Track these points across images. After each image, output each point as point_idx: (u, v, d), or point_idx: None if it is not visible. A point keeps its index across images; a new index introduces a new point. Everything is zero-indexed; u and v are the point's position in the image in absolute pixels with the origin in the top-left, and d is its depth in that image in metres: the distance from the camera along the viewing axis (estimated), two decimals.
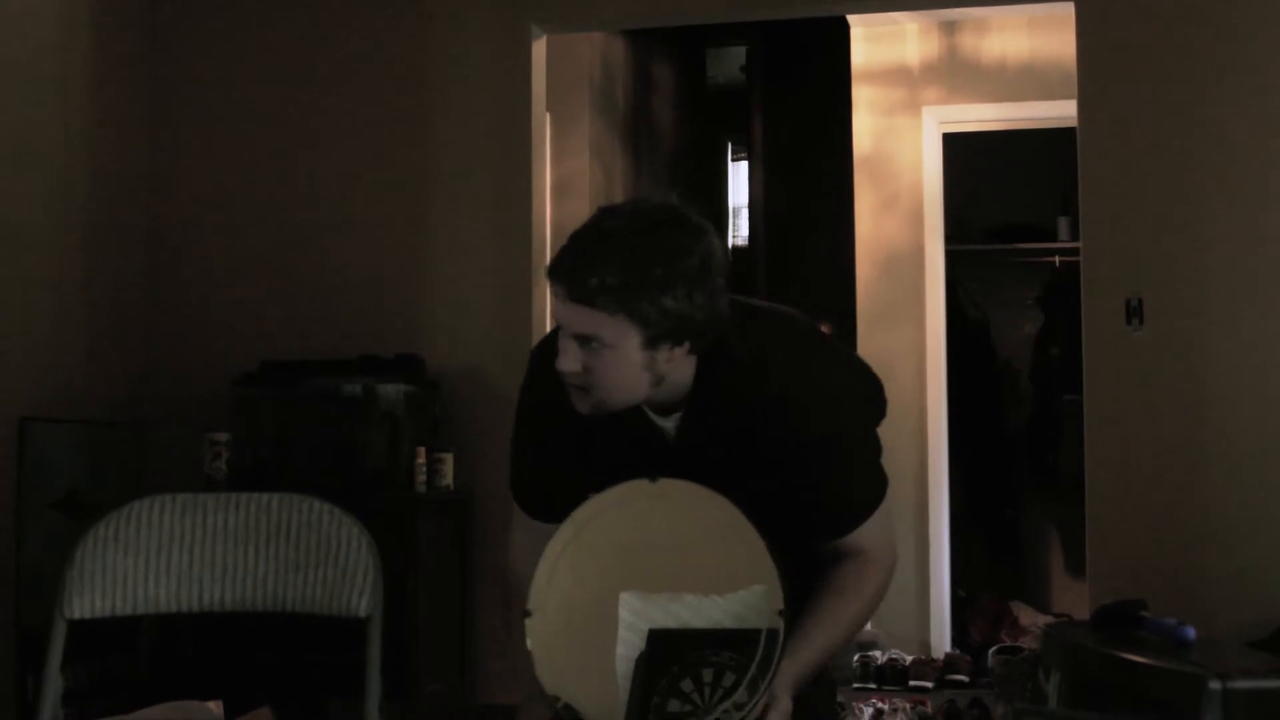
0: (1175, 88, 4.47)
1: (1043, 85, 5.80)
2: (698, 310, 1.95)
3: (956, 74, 6.03)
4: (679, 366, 2.02)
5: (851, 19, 5.99)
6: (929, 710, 4.81)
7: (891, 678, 5.38)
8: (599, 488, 2.09)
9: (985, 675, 5.33)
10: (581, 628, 2.06)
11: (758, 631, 2.00)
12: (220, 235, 4.93)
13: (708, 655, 2.01)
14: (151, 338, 4.89)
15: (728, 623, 2.02)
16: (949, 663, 5.53)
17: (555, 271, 1.97)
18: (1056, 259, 6.61)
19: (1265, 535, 4.29)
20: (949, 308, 6.16)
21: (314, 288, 4.85)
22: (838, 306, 6.98)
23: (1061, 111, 5.21)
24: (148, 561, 2.36)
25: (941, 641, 5.90)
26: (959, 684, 5.35)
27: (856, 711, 4.67)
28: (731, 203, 9.95)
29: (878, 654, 5.53)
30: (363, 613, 2.33)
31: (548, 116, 5.34)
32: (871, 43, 6.12)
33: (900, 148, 6.07)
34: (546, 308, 4.66)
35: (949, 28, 6.02)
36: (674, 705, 1.99)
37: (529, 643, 2.06)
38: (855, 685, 5.33)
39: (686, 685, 2.00)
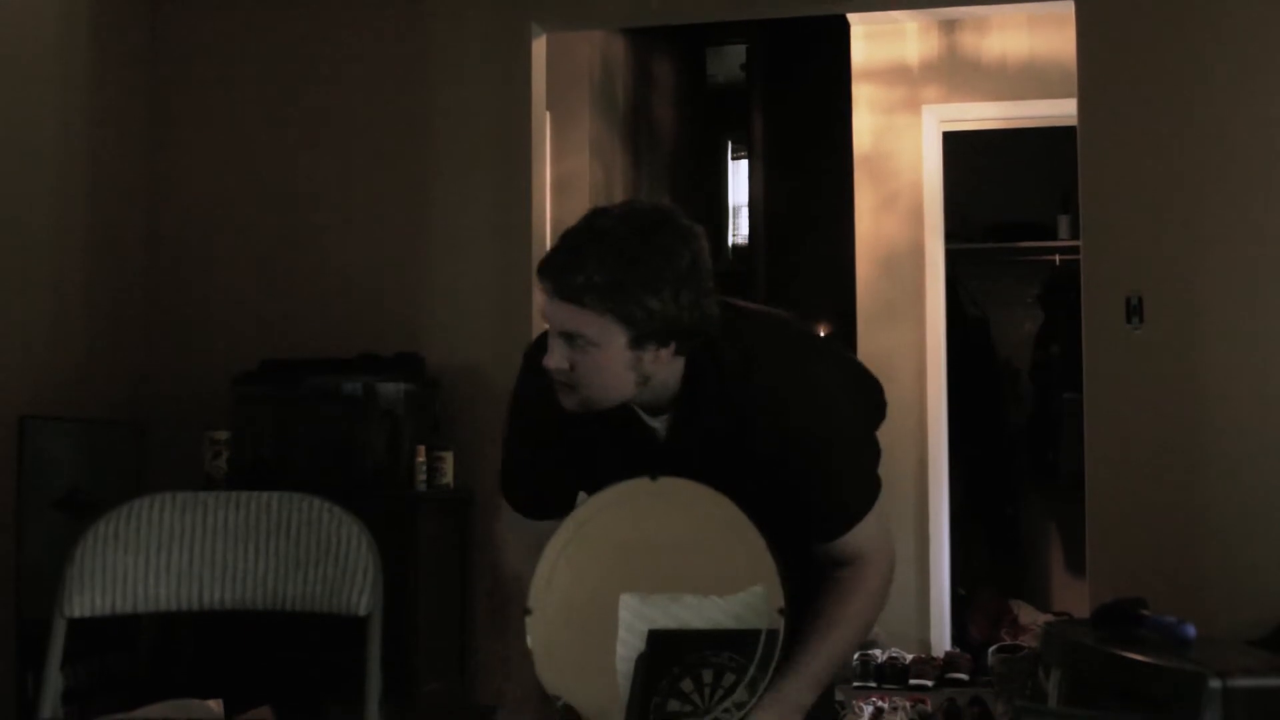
0: (1175, 86, 4.47)
1: (1043, 84, 5.79)
2: (684, 312, 1.96)
3: (957, 72, 6.03)
4: (666, 367, 2.02)
5: (851, 17, 5.99)
6: (929, 709, 4.81)
7: (891, 676, 5.37)
8: (590, 488, 2.10)
9: (985, 674, 5.33)
10: (581, 626, 2.06)
11: (757, 632, 2.00)
12: (220, 234, 4.93)
13: (708, 656, 2.01)
14: (151, 336, 4.89)
15: (728, 623, 2.02)
16: (949, 661, 5.53)
17: (544, 269, 1.99)
18: (1056, 257, 6.61)
19: (1265, 533, 4.28)
20: (949, 306, 6.15)
21: (314, 286, 4.85)
22: (837, 305, 6.98)
23: (1061, 110, 5.21)
24: (148, 560, 2.36)
25: (941, 640, 5.90)
26: (959, 682, 5.35)
27: (856, 710, 4.67)
28: (731, 201, 9.95)
29: (878, 652, 5.53)
30: (363, 611, 2.33)
31: (547, 115, 5.33)
32: (871, 41, 6.12)
33: (900, 146, 6.07)
34: None
35: (949, 26, 6.02)
36: (674, 705, 1.99)
37: (529, 641, 2.06)
38: (855, 683, 5.34)
39: (686, 685, 2.00)
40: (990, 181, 6.85)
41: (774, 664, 1.99)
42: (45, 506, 4.08)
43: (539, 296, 2.03)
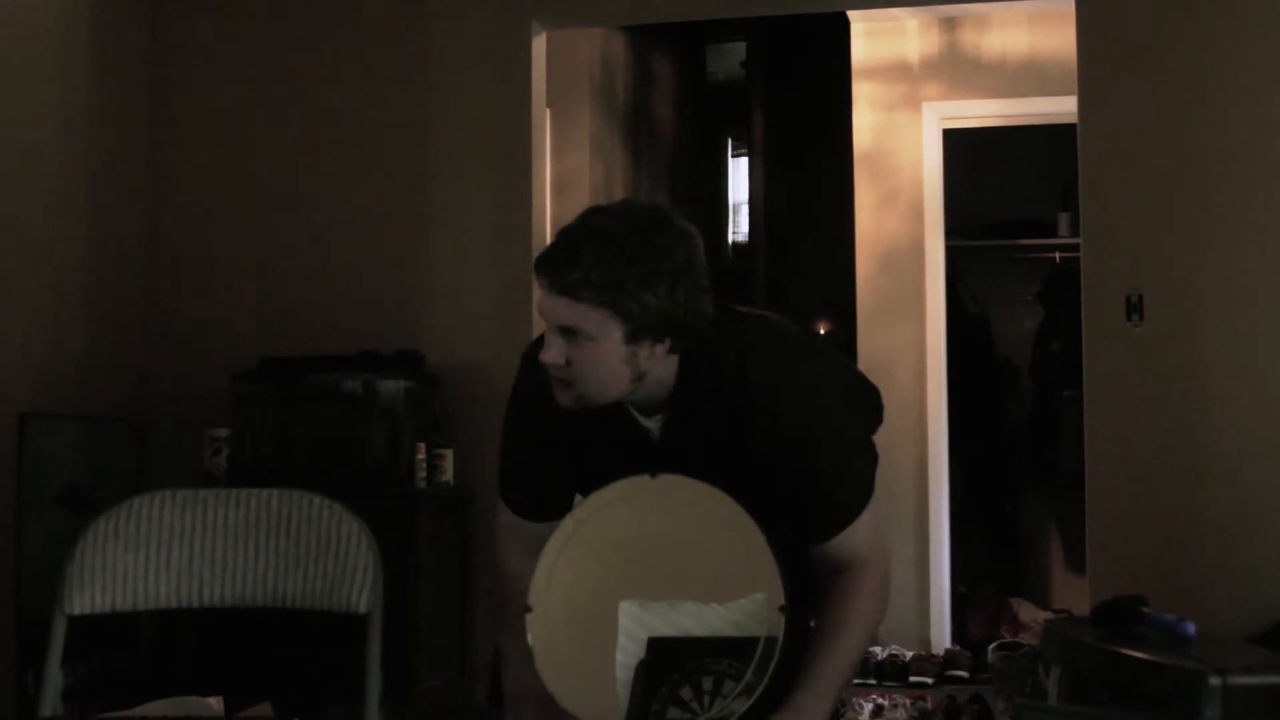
0: (1176, 83, 4.47)
1: (1043, 81, 5.79)
2: (679, 308, 1.99)
3: (957, 70, 6.02)
4: (660, 364, 2.04)
5: (852, 15, 5.98)
6: (929, 706, 4.81)
7: (892, 673, 5.38)
8: (586, 490, 2.10)
9: (985, 671, 5.33)
10: (581, 623, 2.06)
11: (756, 639, 2.00)
12: (220, 232, 4.93)
13: (707, 663, 2.01)
14: (151, 334, 4.89)
15: (727, 630, 2.02)
16: (949, 658, 5.54)
17: (542, 265, 2.00)
18: (1057, 255, 6.61)
19: (1264, 530, 4.29)
20: (949, 303, 6.15)
21: (314, 284, 4.85)
22: (838, 302, 6.98)
23: (1062, 107, 5.21)
24: (148, 557, 2.36)
25: (941, 637, 5.90)
26: (959, 680, 5.35)
27: (857, 707, 4.68)
28: (731, 199, 9.94)
29: (878, 650, 5.53)
30: (363, 609, 2.33)
31: (548, 113, 5.33)
32: (872, 38, 6.12)
33: (900, 143, 6.07)
34: None
35: (949, 23, 6.02)
36: (673, 713, 1.99)
37: (529, 638, 2.06)
38: (855, 681, 5.33)
39: (686, 693, 2.01)
40: (990, 179, 6.85)
41: (771, 669, 1.99)
42: (45, 504, 4.08)
43: (538, 297, 2.04)
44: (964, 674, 5.40)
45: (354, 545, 2.35)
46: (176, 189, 4.96)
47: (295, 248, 4.88)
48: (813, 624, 2.12)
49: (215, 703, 3.26)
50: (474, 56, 4.85)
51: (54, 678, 2.30)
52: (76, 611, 2.32)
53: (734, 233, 9.93)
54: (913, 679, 5.34)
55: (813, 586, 2.12)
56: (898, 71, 6.08)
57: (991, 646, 5.38)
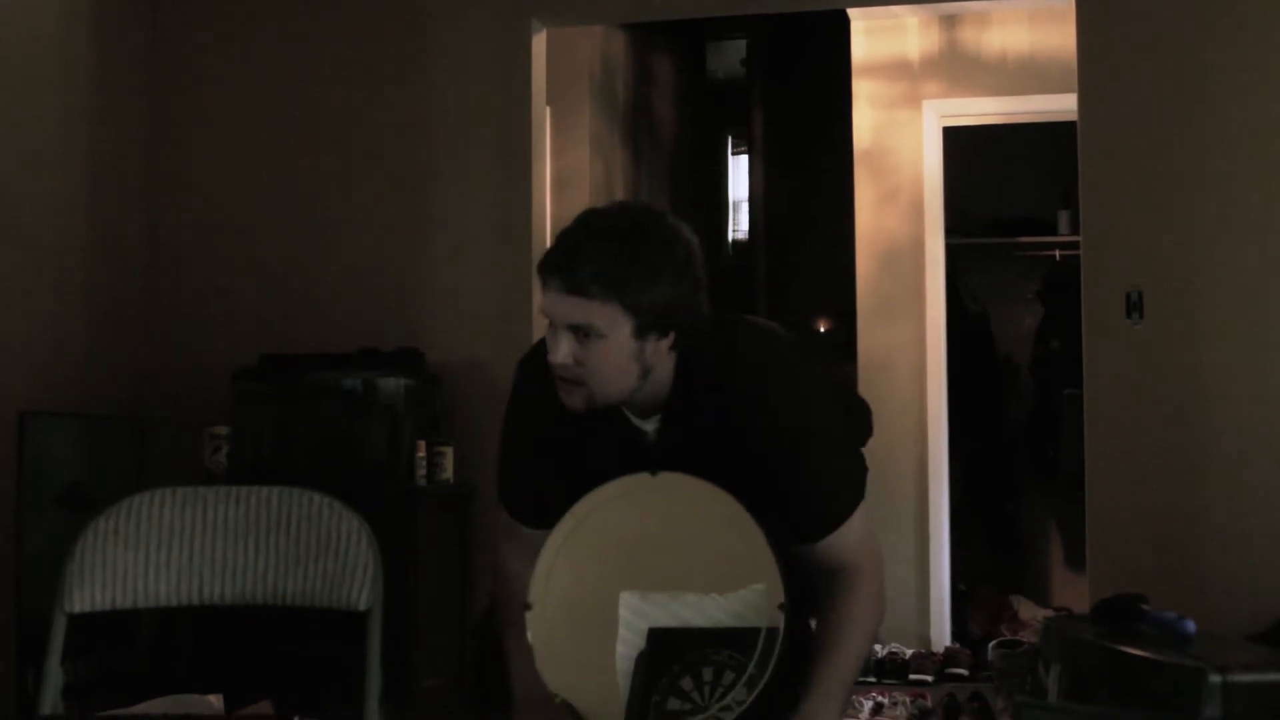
0: (1176, 81, 4.47)
1: (1043, 79, 5.79)
2: (683, 301, 2.02)
3: (957, 67, 6.02)
4: (663, 361, 2.07)
5: (852, 12, 5.98)
6: (929, 703, 4.81)
7: (891, 671, 5.38)
8: (583, 493, 2.11)
9: (985, 669, 5.33)
10: (581, 621, 2.06)
11: (757, 630, 2.00)
12: (220, 230, 4.93)
13: (708, 654, 2.01)
14: (151, 333, 4.89)
15: (728, 621, 2.02)
16: (949, 656, 5.54)
17: (547, 266, 2.02)
18: (1057, 252, 6.61)
19: (1264, 528, 4.29)
20: (949, 301, 6.15)
21: (314, 281, 4.85)
22: (838, 300, 6.98)
23: (1062, 105, 5.21)
24: (148, 555, 2.36)
25: (941, 635, 5.91)
26: (959, 677, 5.35)
27: (856, 705, 4.67)
28: (731, 197, 9.94)
29: (878, 647, 5.53)
30: (363, 606, 2.33)
31: (548, 110, 5.33)
32: (871, 36, 6.12)
33: (900, 141, 6.07)
34: None
35: (949, 21, 6.02)
36: (674, 703, 1.99)
37: (529, 636, 2.06)
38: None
39: (686, 683, 2.01)
40: (990, 176, 6.85)
41: (773, 661, 2.00)
42: (45, 502, 4.08)
43: (538, 296, 2.05)
44: (964, 672, 5.40)
45: (354, 543, 2.35)
46: (176, 189, 4.96)
47: (295, 246, 4.88)
48: (813, 623, 2.13)
49: (215, 700, 3.26)
50: (474, 55, 4.85)
51: (54, 676, 2.30)
52: (76, 609, 2.32)
53: (734, 231, 9.93)
54: (913, 677, 5.34)
55: (810, 587, 2.13)
56: (898, 69, 6.08)
57: (991, 644, 5.39)
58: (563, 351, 2.01)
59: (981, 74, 6.00)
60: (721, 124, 9.51)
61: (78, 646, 2.38)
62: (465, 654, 4.58)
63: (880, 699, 4.73)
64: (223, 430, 4.45)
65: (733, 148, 9.77)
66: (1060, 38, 5.42)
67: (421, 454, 4.44)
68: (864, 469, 2.28)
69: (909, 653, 5.51)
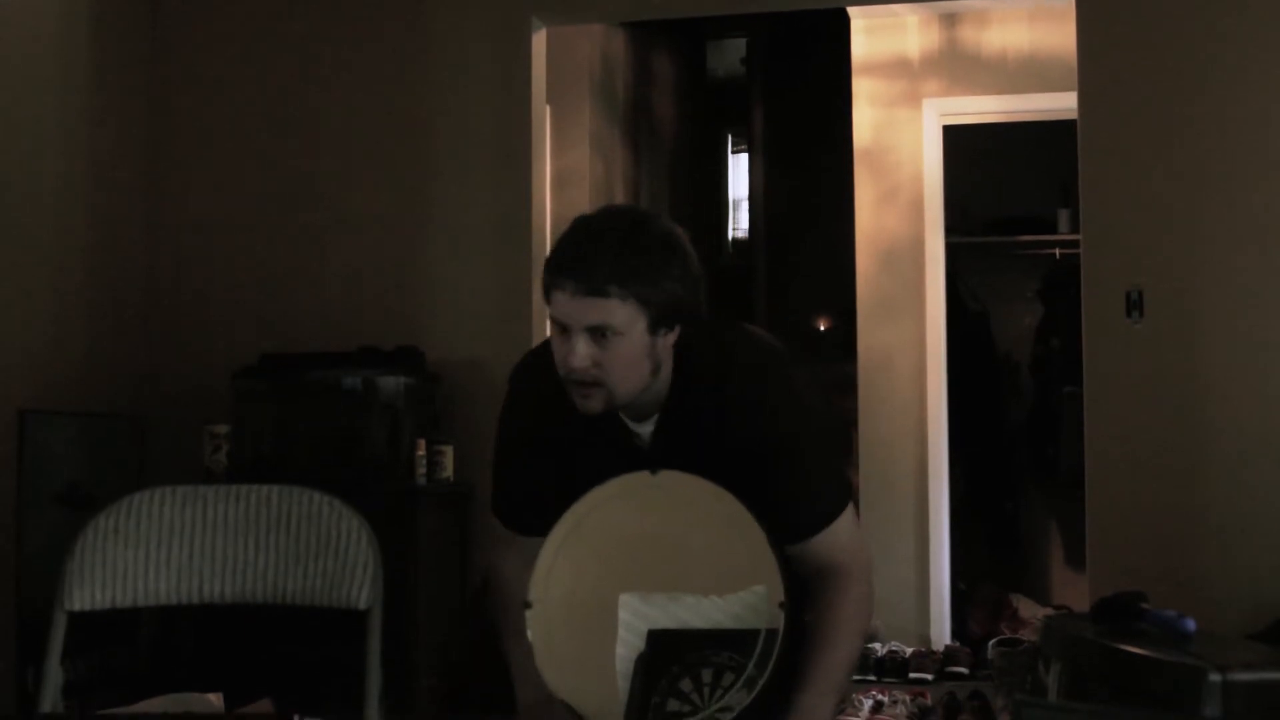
0: (1176, 80, 4.47)
1: (1043, 77, 5.79)
2: (689, 293, 2.06)
3: (957, 66, 6.02)
4: (667, 358, 2.10)
5: (852, 11, 5.98)
6: (929, 702, 4.81)
7: (891, 670, 5.38)
8: (580, 496, 2.12)
9: (985, 667, 5.33)
10: (582, 620, 2.06)
11: (756, 631, 2.00)
12: (220, 228, 4.93)
13: (707, 655, 2.01)
14: (151, 330, 4.89)
15: (727, 623, 2.03)
16: (949, 655, 5.54)
17: (559, 271, 2.03)
18: (1057, 251, 6.61)
19: (1264, 527, 4.29)
20: (949, 300, 6.15)
21: (314, 280, 4.85)
22: (838, 299, 6.98)
23: (1062, 104, 5.21)
24: (148, 554, 2.36)
25: (941, 634, 5.91)
26: (959, 676, 5.36)
27: (856, 703, 4.67)
28: (731, 195, 9.94)
29: (877, 646, 5.53)
30: (363, 605, 2.33)
31: (548, 109, 5.33)
32: (871, 35, 6.12)
33: (900, 140, 6.07)
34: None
35: (949, 20, 6.02)
36: (673, 705, 1.99)
37: (529, 635, 2.06)
38: (855, 678, 5.34)
39: (686, 685, 2.01)
40: (991, 175, 6.85)
41: (773, 662, 2.00)
42: (46, 501, 4.08)
43: (538, 296, 2.06)
44: (964, 670, 5.40)
45: (354, 541, 2.35)
46: (176, 189, 4.96)
47: (295, 245, 4.87)
48: (807, 619, 2.14)
49: (215, 699, 3.26)
50: (473, 53, 4.84)
51: (54, 674, 2.30)
52: (76, 608, 2.32)
53: (734, 229, 9.93)
54: (912, 675, 5.34)
55: (802, 587, 2.14)
56: (898, 68, 6.08)
57: (991, 643, 5.39)
58: (582, 355, 2.03)
59: (982, 73, 6.00)
60: (721, 123, 9.52)
61: (78, 645, 2.38)
62: (464, 632, 4.57)
63: (880, 697, 4.73)
64: (223, 429, 4.45)
65: (733, 146, 9.77)
66: (1060, 36, 5.43)
67: (421, 452, 4.44)
68: (850, 485, 2.32)
69: (909, 651, 5.51)
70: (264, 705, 3.41)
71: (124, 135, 4.84)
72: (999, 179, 6.91)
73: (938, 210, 6.05)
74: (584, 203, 5.97)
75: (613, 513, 2.09)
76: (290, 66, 4.95)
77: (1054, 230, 6.65)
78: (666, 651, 2.02)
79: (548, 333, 2.16)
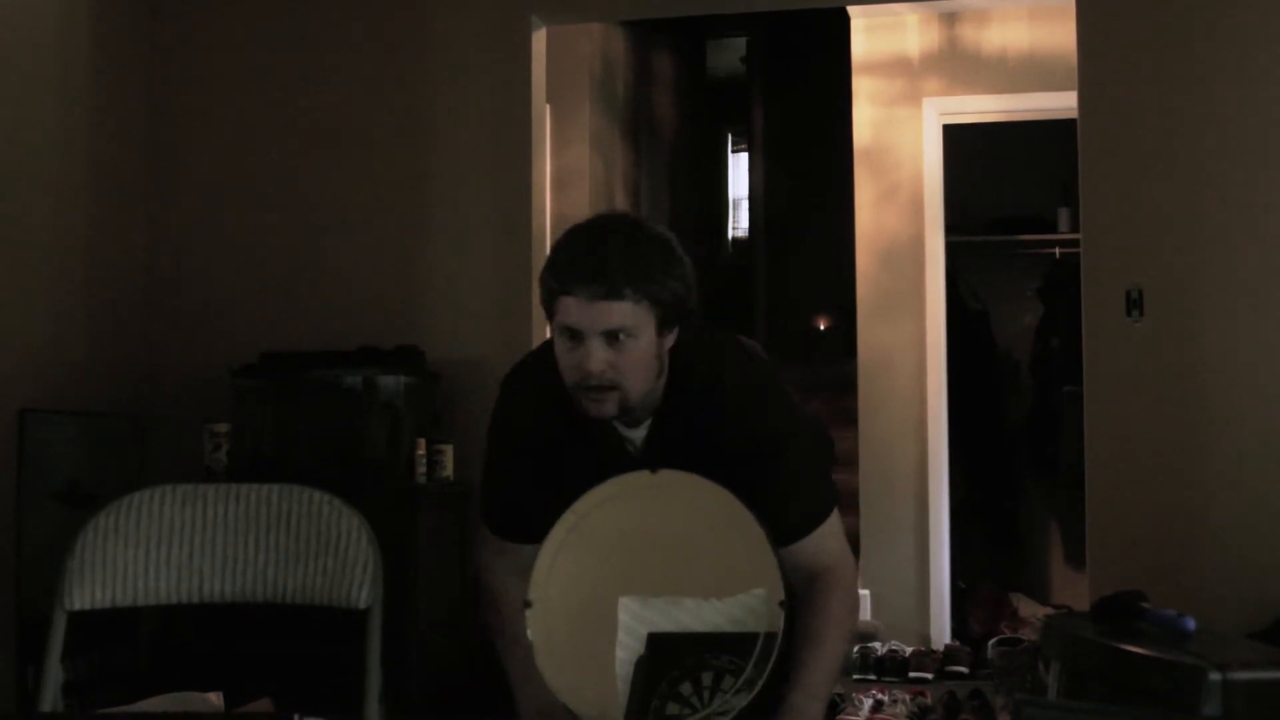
0: (1176, 79, 4.47)
1: (1043, 76, 5.79)
2: (690, 293, 2.09)
3: (957, 65, 6.03)
4: (666, 360, 2.12)
5: (851, 10, 5.99)
6: (929, 701, 4.81)
7: (891, 669, 5.38)
8: (569, 505, 2.12)
9: (985, 667, 5.33)
10: (582, 618, 2.06)
11: (755, 635, 2.00)
12: (220, 227, 4.93)
13: (707, 659, 2.01)
14: (152, 329, 4.89)
15: (726, 626, 2.03)
16: (949, 654, 5.54)
17: (570, 278, 2.03)
18: (1057, 250, 6.61)
19: (1264, 526, 4.29)
20: (949, 299, 6.15)
21: (314, 279, 4.85)
22: (838, 298, 6.98)
23: (1062, 103, 5.21)
24: (148, 553, 2.36)
25: (941, 633, 5.91)
26: (959, 675, 5.36)
27: (856, 703, 4.67)
28: (732, 194, 9.94)
29: (877, 645, 5.53)
30: (363, 604, 2.33)
31: (548, 108, 5.33)
32: (872, 34, 6.12)
33: (900, 139, 6.07)
34: None
35: (949, 19, 6.02)
36: (673, 708, 1.99)
37: (529, 634, 2.06)
38: (855, 676, 5.34)
39: (685, 688, 2.01)
40: (991, 174, 6.86)
41: (771, 664, 2.00)
42: (46, 499, 4.08)
43: (538, 298, 2.07)
44: (964, 670, 5.41)
45: (354, 540, 2.35)
46: (176, 189, 4.96)
47: (295, 244, 4.88)
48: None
49: (215, 698, 3.26)
50: (474, 52, 4.84)
51: (54, 673, 2.30)
52: (76, 607, 2.32)
53: (734, 229, 9.93)
54: (912, 675, 5.34)
55: (789, 590, 2.16)
56: (898, 67, 6.08)
57: (991, 642, 5.38)
58: (599, 359, 2.04)
59: (981, 71, 6.00)
60: (721, 122, 9.52)
61: (78, 644, 2.38)
62: (464, 632, 4.57)
63: (880, 697, 4.73)
64: (223, 428, 4.45)
65: (733, 145, 9.77)
66: (1060, 35, 5.43)
67: (421, 451, 4.44)
68: (833, 483, 2.35)
69: (909, 651, 5.51)
70: (264, 705, 3.41)
71: (124, 135, 4.84)
72: (999, 178, 6.92)
73: (938, 209, 6.05)
74: (584, 202, 5.97)
75: (613, 512, 2.09)
76: (290, 66, 4.95)
77: (1054, 229, 6.65)
78: (666, 655, 2.02)
79: (548, 334, 2.17)
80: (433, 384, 4.59)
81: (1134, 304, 4.43)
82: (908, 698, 4.75)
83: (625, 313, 2.02)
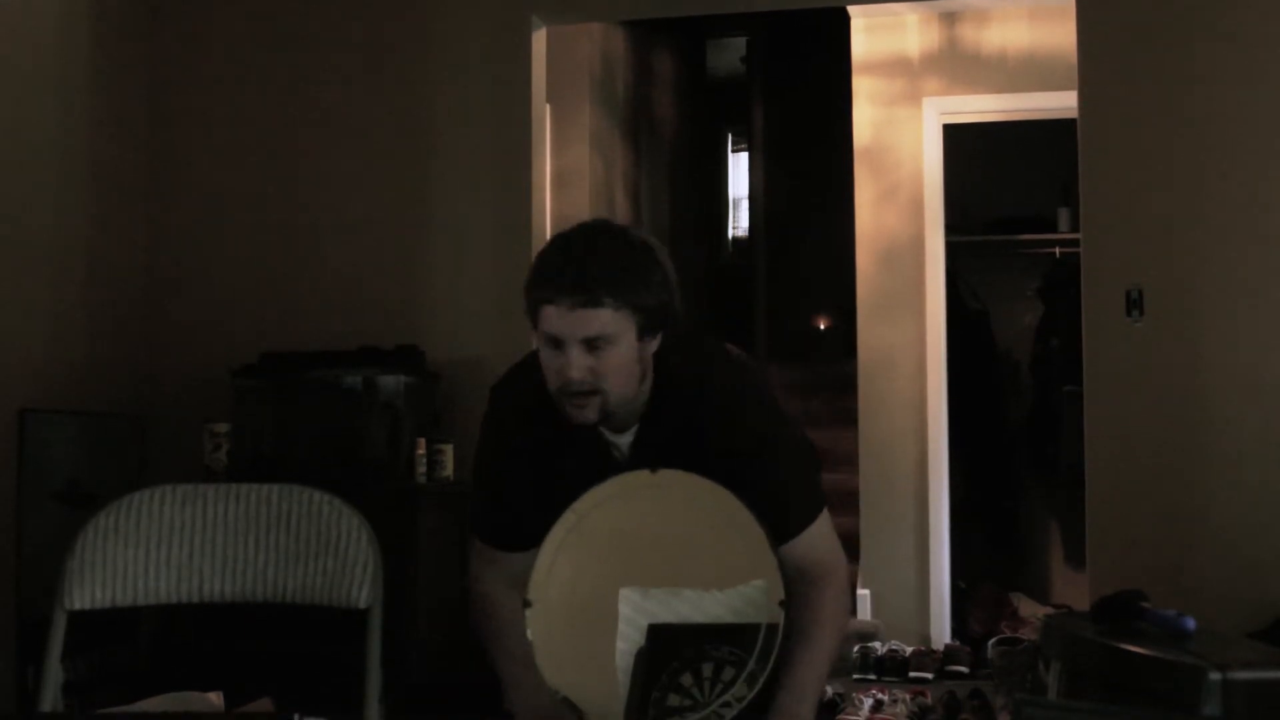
0: (1176, 79, 4.47)
1: (1043, 76, 5.79)
2: (671, 298, 2.10)
3: (957, 65, 6.03)
4: (649, 365, 2.14)
5: (852, 10, 5.98)
6: (929, 701, 4.81)
7: (891, 669, 5.38)
8: (559, 512, 2.13)
9: (985, 666, 5.33)
10: (581, 617, 2.06)
11: (757, 626, 2.01)
12: (220, 227, 4.93)
13: (707, 650, 2.02)
14: (152, 329, 4.89)
15: (727, 618, 2.03)
16: (949, 654, 5.54)
17: (550, 287, 2.05)
18: (1057, 250, 6.61)
19: (1265, 526, 4.29)
20: (949, 299, 6.15)
21: (314, 279, 4.85)
22: (838, 298, 6.98)
23: (1062, 103, 5.21)
24: (148, 553, 2.36)
25: (941, 633, 5.91)
26: (959, 675, 5.36)
27: (857, 702, 4.67)
28: (731, 194, 9.94)
29: (877, 645, 5.53)
30: (362, 604, 2.33)
31: (548, 108, 5.33)
32: (872, 33, 6.12)
33: (900, 139, 6.07)
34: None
35: (949, 18, 6.02)
36: (673, 699, 1.99)
37: (529, 633, 2.06)
38: (855, 676, 5.34)
39: (686, 679, 2.01)
40: (991, 174, 6.86)
41: (773, 657, 2.00)
42: (46, 499, 4.08)
43: (547, 319, 2.07)
44: (964, 669, 5.40)
45: (354, 540, 2.35)
46: (176, 189, 4.96)
47: (295, 244, 4.88)
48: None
49: (215, 698, 3.26)
50: (473, 53, 4.85)
51: (54, 673, 2.30)
52: (76, 607, 2.32)
53: (734, 228, 9.93)
54: (912, 674, 5.34)
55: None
56: (898, 66, 6.08)
57: (991, 642, 5.38)
58: (579, 366, 2.05)
59: (982, 71, 6.00)
60: (722, 121, 9.53)
61: (78, 644, 2.38)
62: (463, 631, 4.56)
63: (880, 696, 4.73)
64: (223, 427, 4.45)
65: (733, 145, 9.77)
66: (1060, 35, 5.42)
67: (421, 451, 4.44)
68: (821, 485, 2.35)
69: (909, 650, 5.51)
70: (264, 704, 3.41)
71: (124, 135, 4.84)
72: (999, 178, 6.91)
73: (938, 209, 6.05)
74: (584, 202, 5.97)
75: (613, 511, 2.09)
76: (290, 66, 4.95)
77: (1054, 229, 6.65)
78: (667, 646, 2.03)
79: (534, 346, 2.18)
80: (433, 384, 4.59)
81: (1134, 304, 4.43)
82: (908, 697, 4.75)
83: (605, 320, 2.03)
